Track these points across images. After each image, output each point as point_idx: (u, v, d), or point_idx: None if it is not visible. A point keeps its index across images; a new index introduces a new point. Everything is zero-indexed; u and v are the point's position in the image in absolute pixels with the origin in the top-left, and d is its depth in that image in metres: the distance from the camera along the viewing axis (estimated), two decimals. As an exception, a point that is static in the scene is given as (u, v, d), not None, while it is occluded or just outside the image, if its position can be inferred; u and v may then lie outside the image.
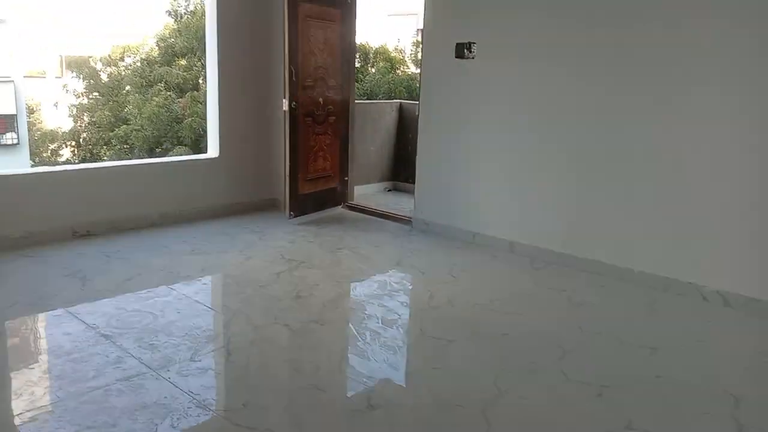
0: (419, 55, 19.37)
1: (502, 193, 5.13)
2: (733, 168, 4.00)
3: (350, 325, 3.61)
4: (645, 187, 4.36)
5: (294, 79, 5.50)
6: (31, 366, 3.04)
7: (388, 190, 7.63)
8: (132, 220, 5.28)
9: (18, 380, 2.88)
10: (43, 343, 3.27)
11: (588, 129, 4.59)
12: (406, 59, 19.26)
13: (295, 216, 5.80)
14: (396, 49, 20.50)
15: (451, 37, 5.25)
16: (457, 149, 5.36)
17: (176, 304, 3.77)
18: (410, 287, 4.35)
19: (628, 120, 4.39)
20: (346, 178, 6.46)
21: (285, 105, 5.55)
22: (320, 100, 5.89)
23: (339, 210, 6.40)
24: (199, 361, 3.07)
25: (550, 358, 3.25)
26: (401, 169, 7.63)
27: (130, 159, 14.54)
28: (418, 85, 13.04)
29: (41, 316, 3.59)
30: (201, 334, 3.38)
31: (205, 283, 4.25)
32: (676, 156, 4.21)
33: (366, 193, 7.18)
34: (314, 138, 5.92)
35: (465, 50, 5.19)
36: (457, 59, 5.25)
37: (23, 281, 4.02)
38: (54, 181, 5.00)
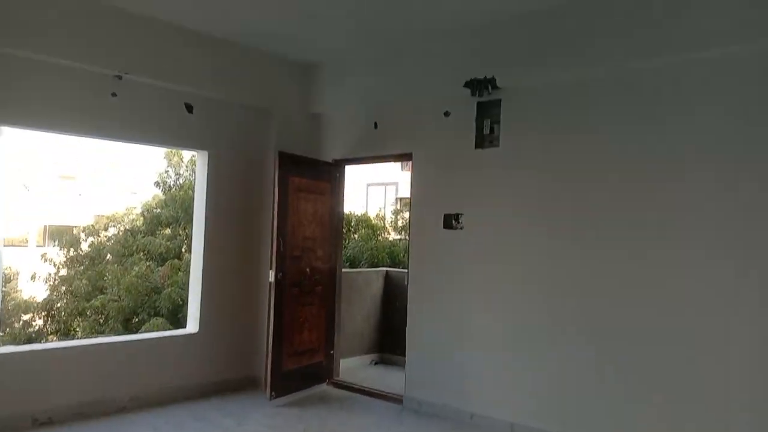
0: (399, 222, 19.87)
1: (501, 368, 4.82)
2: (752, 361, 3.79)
3: None
4: (659, 375, 4.09)
5: (282, 249, 5.38)
6: None
7: (375, 363, 7.22)
8: (100, 403, 4.80)
9: None
10: None
11: (598, 301, 4.43)
12: (387, 226, 19.68)
13: (277, 396, 5.35)
14: (377, 216, 21.01)
15: (438, 209, 5.25)
16: (450, 320, 5.12)
17: None
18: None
19: (631, 294, 4.24)
20: (332, 352, 6.10)
21: (271, 276, 5.36)
22: (307, 270, 5.73)
23: (324, 388, 5.96)
24: None
25: None
26: (388, 340, 7.29)
27: (104, 330, 14.01)
28: (400, 251, 13.10)
29: None
30: None
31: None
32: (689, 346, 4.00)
33: (352, 366, 6.77)
34: (300, 309, 5.66)
35: (453, 221, 5.17)
36: (445, 229, 5.20)
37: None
38: (16, 361, 4.59)
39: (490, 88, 4.87)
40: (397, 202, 26.17)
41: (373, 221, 19.21)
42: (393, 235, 19.41)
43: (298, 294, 5.60)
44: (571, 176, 4.55)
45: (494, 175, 4.95)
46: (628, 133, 4.28)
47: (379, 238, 17.96)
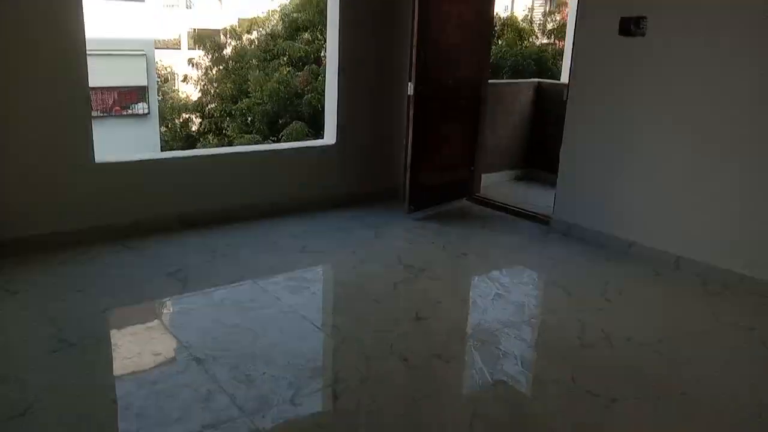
0: (549, 25, 18.02)
1: (670, 196, 4.20)
2: None
3: (482, 365, 2.92)
4: None
5: (422, 60, 4.82)
6: (111, 397, 2.63)
7: (519, 179, 6.80)
8: (241, 209, 4.88)
9: (93, 419, 2.47)
10: (128, 366, 2.86)
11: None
12: (535, 30, 17.96)
13: (415, 210, 5.17)
14: (525, 18, 19.20)
15: (613, 10, 4.33)
16: (615, 141, 4.46)
17: (280, 319, 3.27)
18: (555, 313, 3.59)
19: None
20: (473, 168, 5.72)
21: (410, 89, 4.89)
22: (450, 82, 5.17)
23: (463, 203, 5.69)
24: (300, 404, 2.54)
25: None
26: (534, 156, 6.75)
27: (251, 131, 14.61)
28: (549, 58, 11.81)
29: (132, 329, 3.21)
30: (305, 364, 2.85)
31: (314, 293, 3.72)
32: None
33: (493, 182, 6.40)
34: (441, 123, 5.22)
35: (632, 26, 4.26)
36: (621, 36, 4.33)
37: (122, 279, 3.68)
38: (162, 168, 4.67)
39: None
40: (547, 2, 23.77)
41: (519, 24, 17.60)
42: (541, 40, 17.82)
43: (439, 107, 5.12)
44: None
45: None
46: None
47: (525, 43, 16.56)
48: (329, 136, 5.35)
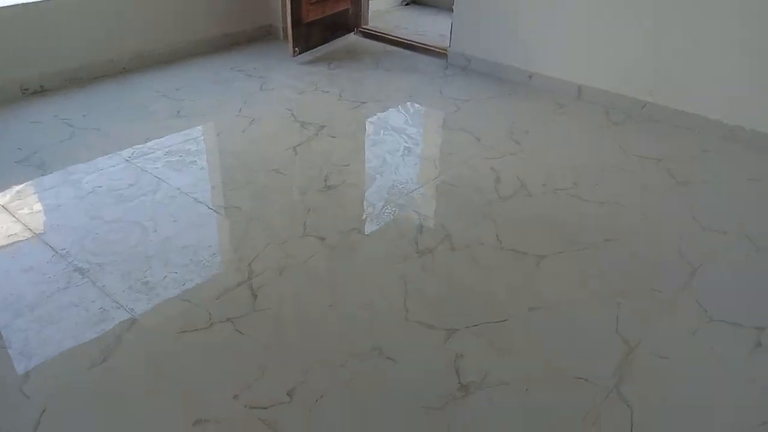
0: None
1: (569, 21, 3.96)
2: None
3: (405, 235, 2.73)
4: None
5: None
6: (-18, 330, 2.19)
7: (406, 4, 6.27)
8: (96, 66, 4.12)
9: (-35, 359, 2.05)
10: (-4, 286, 2.39)
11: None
12: None
13: (300, 52, 4.62)
14: None
15: None
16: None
17: (169, 205, 2.84)
18: (467, 164, 3.39)
19: None
20: (359, -3, 5.13)
21: None
22: None
23: (352, 38, 5.18)
24: (213, 313, 2.24)
25: (677, 279, 2.45)
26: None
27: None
28: None
29: (-10, 237, 2.66)
30: (210, 259, 2.51)
31: (201, 168, 3.24)
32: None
33: (380, 9, 5.86)
34: (319, -56, 4.51)
35: None
36: None
37: (-39, 175, 3.03)
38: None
39: None
40: None
41: None
42: None
43: None
44: None
45: None
46: None
47: None
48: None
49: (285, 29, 4.65)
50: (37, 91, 3.90)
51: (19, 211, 2.78)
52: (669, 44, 3.62)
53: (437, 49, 4.74)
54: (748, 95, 3.45)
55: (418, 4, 6.22)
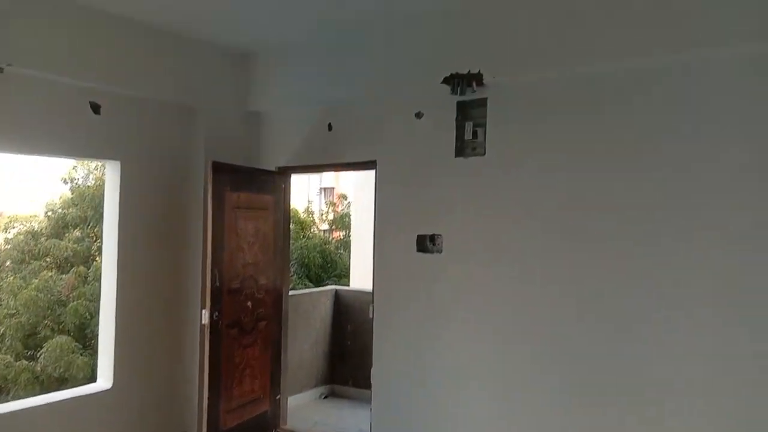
0: (330, 215, 18.75)
1: (485, 416, 4.04)
2: None
3: None
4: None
5: (217, 284, 4.36)
6: None
7: (324, 397, 6.30)
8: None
9: None
10: None
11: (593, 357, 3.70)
12: (317, 220, 18.49)
13: (216, 463, 4.37)
14: (306, 210, 19.74)
15: (410, 228, 4.38)
16: (427, 360, 4.29)
17: None
18: None
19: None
20: (278, 397, 5.13)
21: (205, 317, 4.35)
22: (249, 304, 4.73)
23: (270, 440, 5.01)
24: None
25: None
26: (339, 370, 6.38)
27: (1, 349, 12.28)
28: (332, 249, 11.99)
29: None
30: None
31: None
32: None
33: (300, 404, 5.84)
34: (240, 352, 4.66)
35: (429, 243, 4.32)
36: (419, 253, 4.35)
37: None
38: None
39: (474, 85, 4.03)
40: (321, 193, 25.03)
41: (300, 215, 18.04)
42: (321, 227, 18.31)
43: (237, 335, 4.61)
44: (577, 197, 3.80)
45: (479, 189, 4.13)
46: (647, 140, 3.57)
47: (308, 233, 16.88)
48: (104, 380, 4.45)
49: (201, 439, 4.47)
50: None
51: None
52: None
53: None
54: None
55: (337, 396, 6.28)
